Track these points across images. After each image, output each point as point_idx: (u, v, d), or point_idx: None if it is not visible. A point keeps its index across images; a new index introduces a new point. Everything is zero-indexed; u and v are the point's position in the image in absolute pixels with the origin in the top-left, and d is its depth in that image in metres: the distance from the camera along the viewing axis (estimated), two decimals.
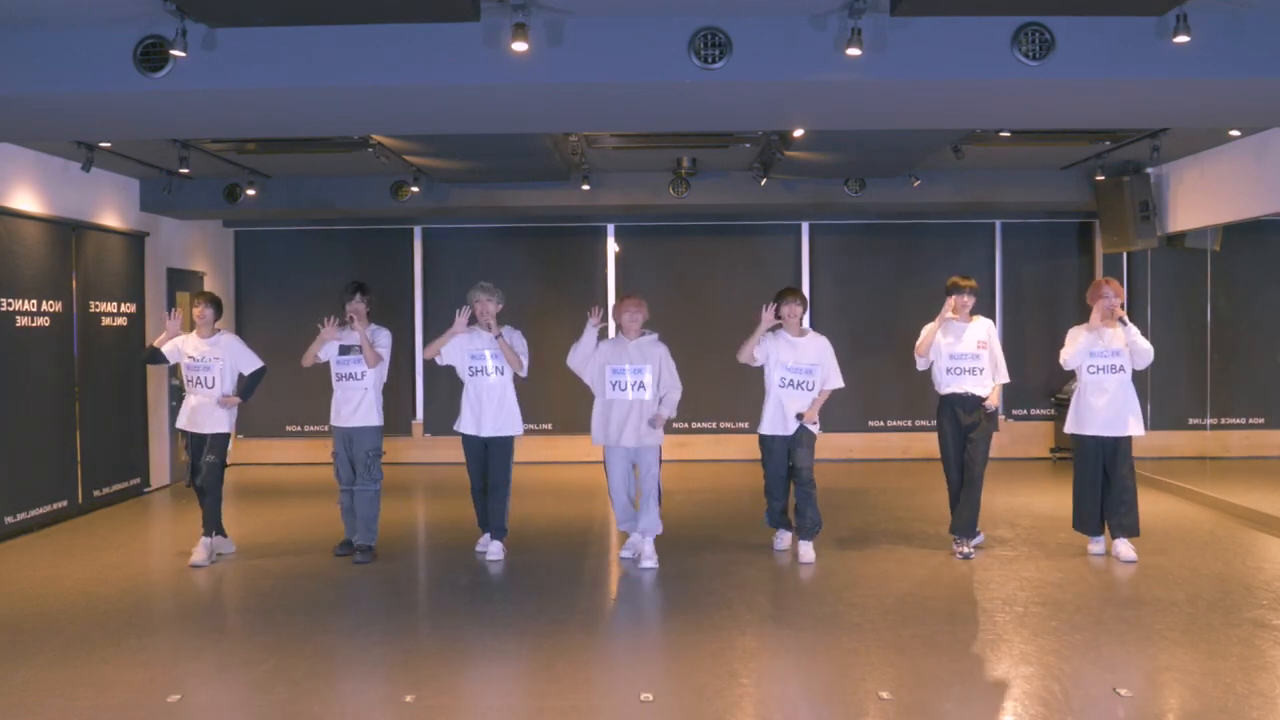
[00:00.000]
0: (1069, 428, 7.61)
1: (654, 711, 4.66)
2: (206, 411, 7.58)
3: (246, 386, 7.70)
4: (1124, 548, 7.41)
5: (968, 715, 4.62)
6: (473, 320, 7.56)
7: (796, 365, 7.46)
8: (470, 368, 7.60)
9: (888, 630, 5.80)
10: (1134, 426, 7.41)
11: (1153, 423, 12.06)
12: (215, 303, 7.70)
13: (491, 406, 7.56)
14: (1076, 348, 7.48)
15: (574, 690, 5.01)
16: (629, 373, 7.32)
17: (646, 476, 7.44)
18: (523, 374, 7.63)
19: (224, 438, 7.64)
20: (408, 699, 4.81)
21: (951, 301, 7.53)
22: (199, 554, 7.50)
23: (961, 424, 7.56)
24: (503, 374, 7.59)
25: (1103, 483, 7.49)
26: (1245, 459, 11.82)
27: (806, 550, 7.50)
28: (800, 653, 5.50)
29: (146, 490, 10.61)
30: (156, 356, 7.81)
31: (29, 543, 8.31)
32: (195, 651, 5.60)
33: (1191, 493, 9.80)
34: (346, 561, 7.56)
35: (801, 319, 7.55)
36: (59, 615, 6.23)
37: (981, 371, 7.52)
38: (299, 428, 12.57)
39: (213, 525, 7.60)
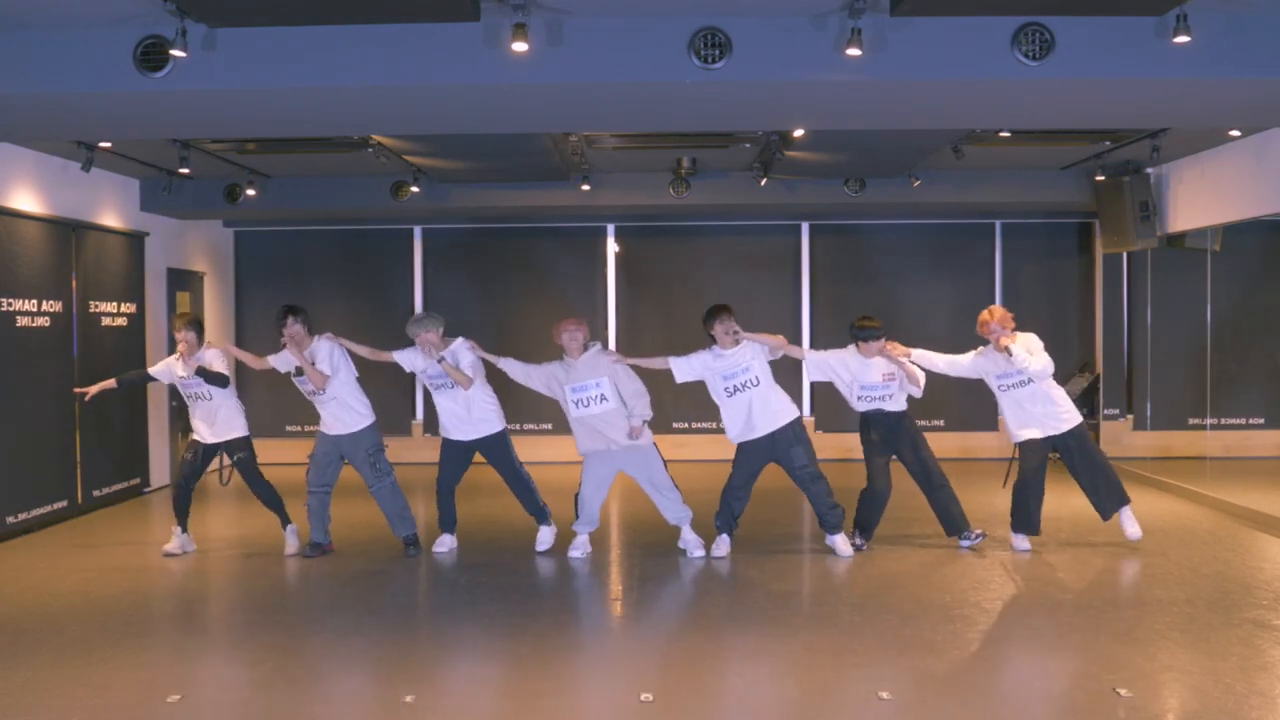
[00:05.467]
0: (1013, 438, 7.64)
1: (654, 711, 4.66)
2: (217, 422, 7.70)
3: (205, 371, 7.60)
4: (1130, 525, 7.53)
5: (968, 715, 4.61)
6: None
7: (732, 370, 7.40)
8: (432, 383, 7.72)
9: (888, 630, 5.80)
10: (1071, 418, 7.47)
11: (1152, 423, 12.13)
12: (198, 327, 7.71)
13: (461, 413, 7.64)
14: (967, 365, 7.58)
15: (574, 690, 5.02)
16: (590, 388, 7.37)
17: (655, 476, 7.52)
18: (466, 390, 7.59)
19: (243, 440, 7.80)
20: (408, 699, 4.80)
21: (880, 346, 7.47)
22: (172, 544, 7.78)
23: (887, 439, 7.60)
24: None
25: (1079, 470, 7.53)
26: (1245, 459, 11.82)
27: (841, 544, 7.55)
28: (800, 653, 5.50)
29: (146, 490, 10.61)
30: (145, 378, 8.04)
31: (29, 543, 8.31)
32: (195, 651, 5.61)
33: (1191, 493, 9.80)
34: (346, 561, 7.57)
35: (734, 330, 7.39)
36: (59, 615, 6.23)
37: (892, 398, 7.55)
38: (299, 428, 12.56)
39: (281, 517, 7.90)
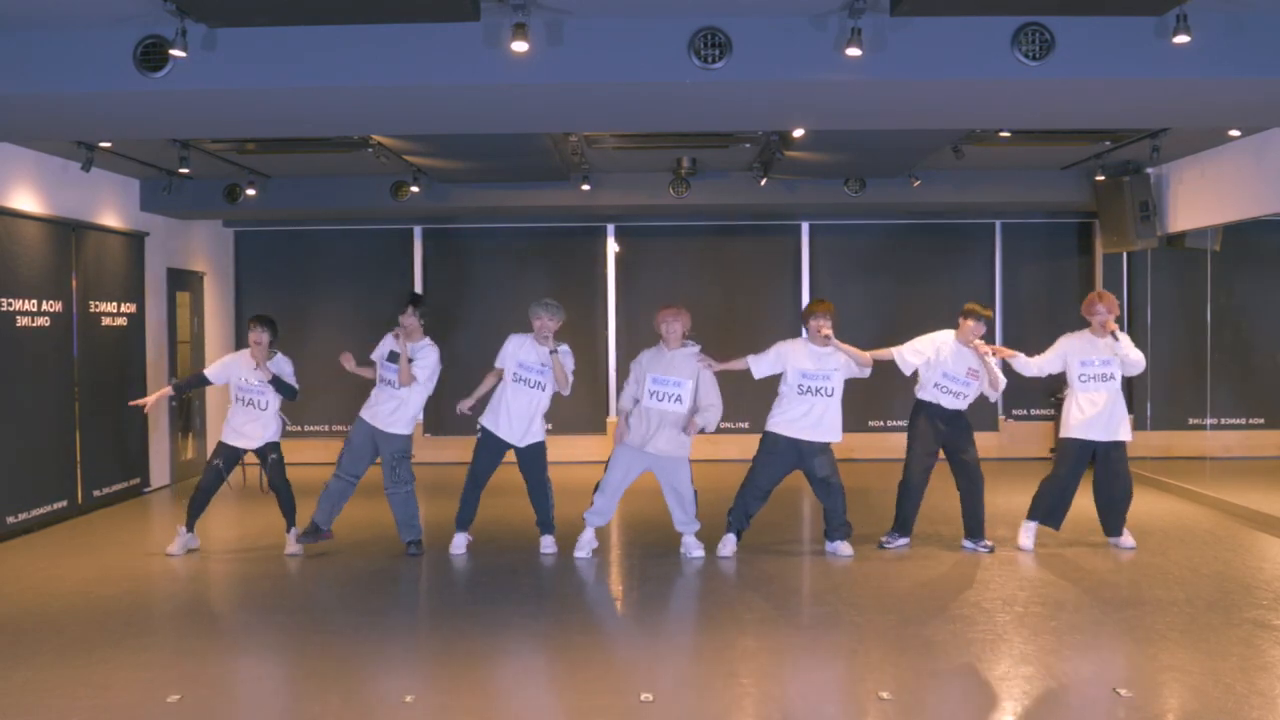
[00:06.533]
0: (1064, 432, 7.75)
1: (654, 711, 4.66)
2: (264, 429, 7.77)
3: (278, 380, 7.69)
4: (1128, 538, 7.74)
5: (967, 715, 4.62)
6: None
7: (815, 372, 7.46)
8: (516, 375, 7.68)
9: (888, 630, 5.80)
10: (1125, 431, 7.63)
11: (1153, 423, 12.13)
12: (272, 326, 7.72)
13: (526, 417, 7.66)
14: (1051, 357, 7.69)
15: (574, 690, 5.02)
16: (671, 385, 7.34)
17: (681, 484, 7.49)
18: (565, 392, 7.72)
19: (277, 443, 7.89)
20: (408, 699, 4.81)
21: (979, 331, 7.57)
22: (175, 545, 7.79)
23: (940, 431, 7.67)
24: (544, 390, 7.66)
25: (1103, 484, 7.67)
26: (1245, 459, 11.82)
27: (845, 548, 7.60)
28: (800, 653, 5.50)
29: (146, 490, 10.61)
30: (200, 381, 8.08)
31: (29, 543, 8.31)
32: (195, 651, 5.60)
33: (1191, 493, 9.80)
34: (346, 561, 7.57)
35: (825, 332, 7.47)
36: (59, 615, 6.23)
37: (962, 397, 7.62)
38: (299, 428, 12.56)
39: (289, 521, 7.90)
